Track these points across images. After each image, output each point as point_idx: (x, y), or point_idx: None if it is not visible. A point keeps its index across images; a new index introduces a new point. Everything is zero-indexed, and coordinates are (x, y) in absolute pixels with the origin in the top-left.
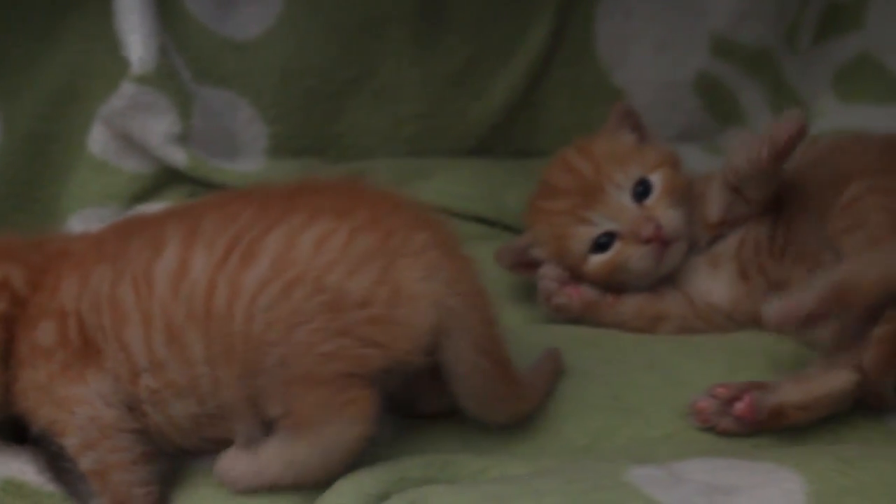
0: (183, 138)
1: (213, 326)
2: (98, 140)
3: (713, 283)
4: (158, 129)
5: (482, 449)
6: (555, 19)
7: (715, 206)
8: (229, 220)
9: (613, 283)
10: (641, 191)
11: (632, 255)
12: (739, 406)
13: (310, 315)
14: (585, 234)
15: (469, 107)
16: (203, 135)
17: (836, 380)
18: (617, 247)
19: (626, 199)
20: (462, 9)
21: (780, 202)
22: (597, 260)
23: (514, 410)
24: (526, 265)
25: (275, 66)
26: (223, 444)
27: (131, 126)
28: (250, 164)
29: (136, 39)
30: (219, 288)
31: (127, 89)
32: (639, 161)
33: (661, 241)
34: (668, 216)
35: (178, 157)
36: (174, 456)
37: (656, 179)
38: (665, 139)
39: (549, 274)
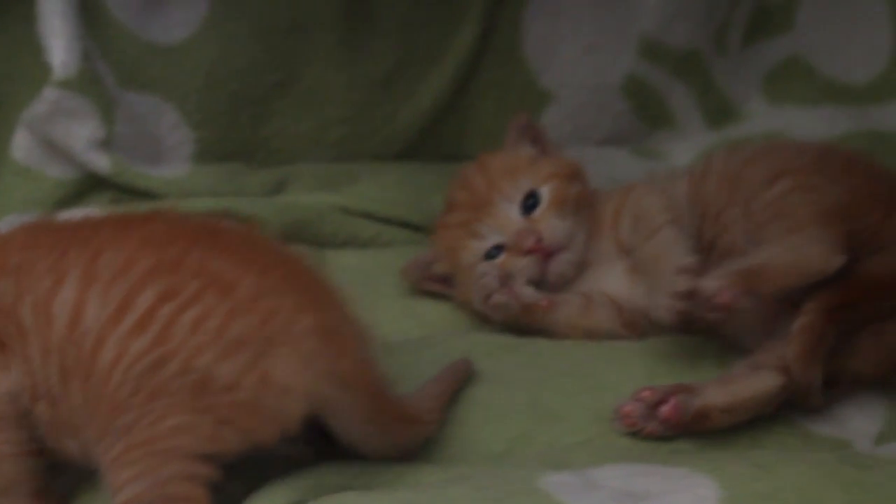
0: (106, 144)
1: (93, 382)
2: (21, 146)
3: (636, 288)
4: (81, 135)
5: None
6: (482, 22)
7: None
8: (126, 268)
9: None
10: (531, 203)
11: (515, 266)
12: (665, 409)
13: (174, 390)
14: (476, 248)
15: (396, 111)
16: (127, 140)
17: (760, 382)
18: (503, 258)
19: (513, 212)
20: (388, 12)
21: (708, 199)
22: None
23: (410, 443)
24: (432, 280)
25: (200, 70)
26: None
27: (54, 132)
28: (175, 169)
29: (59, 44)
30: (107, 347)
31: (49, 94)
32: (531, 174)
33: (542, 253)
34: (550, 227)
35: (102, 162)
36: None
37: (545, 191)
38: (594, 142)
39: (489, 272)
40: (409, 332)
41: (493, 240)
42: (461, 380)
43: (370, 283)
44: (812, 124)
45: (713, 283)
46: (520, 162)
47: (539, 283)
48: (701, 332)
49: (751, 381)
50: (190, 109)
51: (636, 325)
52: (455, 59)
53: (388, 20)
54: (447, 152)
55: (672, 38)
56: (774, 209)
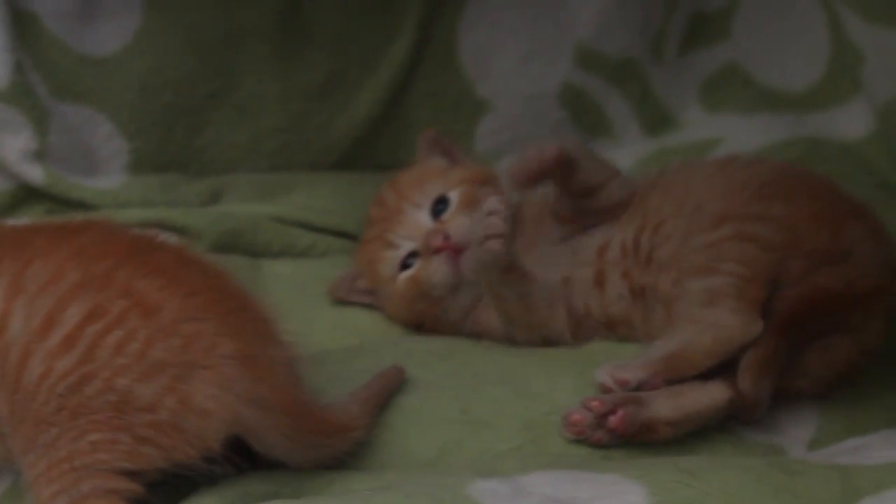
0: (40, 155)
1: (19, 396)
2: None
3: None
4: (14, 146)
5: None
6: (417, 31)
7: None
8: (53, 280)
9: (430, 308)
10: (440, 208)
11: (428, 268)
12: (613, 420)
13: (95, 408)
14: (392, 258)
15: (332, 120)
16: (61, 151)
17: (709, 396)
18: (418, 263)
19: (424, 218)
20: (323, 22)
21: (650, 209)
22: (402, 277)
23: (338, 451)
24: (358, 293)
25: (133, 81)
26: None
27: None
28: (110, 180)
29: None
30: (33, 362)
31: None
32: (441, 182)
33: (451, 249)
34: (457, 224)
35: (35, 174)
36: None
37: (454, 195)
38: None
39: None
40: (342, 341)
41: (407, 247)
42: (392, 386)
43: (304, 293)
44: (749, 132)
45: (639, 374)
46: (430, 172)
47: (455, 284)
48: (632, 339)
49: (699, 395)
50: (124, 120)
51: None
52: (390, 68)
53: (323, 30)
54: (383, 162)
55: (608, 46)
56: (709, 254)
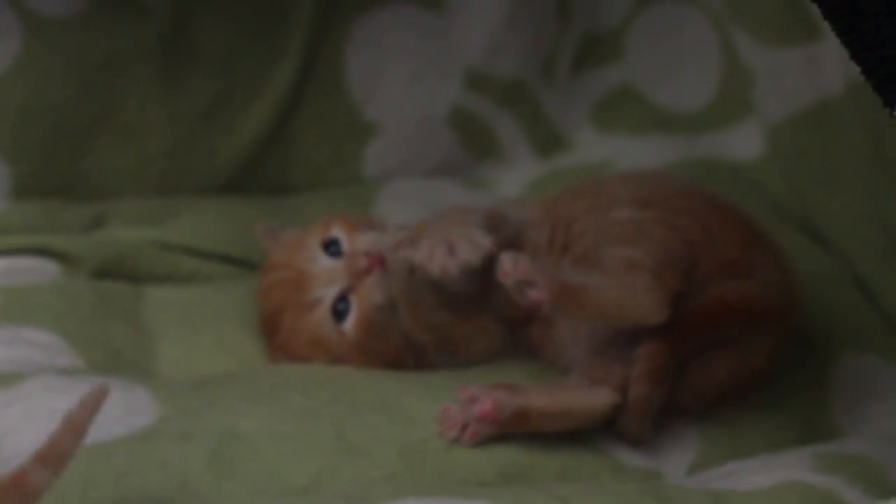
0: None
1: None
2: None
3: None
4: None
5: (197, 491)
6: (303, 54)
7: None
8: None
9: (389, 344)
10: (334, 249)
11: (367, 294)
12: (479, 406)
13: None
14: (322, 313)
15: (218, 144)
16: None
17: (593, 397)
18: (353, 300)
19: (326, 262)
20: (207, 44)
21: (560, 212)
22: (348, 324)
23: None
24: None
25: (14, 105)
26: None
27: None
28: None
29: None
30: None
31: None
32: (312, 235)
33: (378, 262)
34: (364, 241)
35: None
36: None
37: (336, 230)
38: (421, 174)
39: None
40: (224, 366)
41: (329, 295)
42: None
43: (188, 318)
44: (641, 153)
45: (537, 277)
46: (294, 238)
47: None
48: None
49: (582, 393)
50: (5, 145)
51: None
52: (276, 91)
53: (208, 53)
54: (271, 185)
55: (498, 68)
56: (633, 228)
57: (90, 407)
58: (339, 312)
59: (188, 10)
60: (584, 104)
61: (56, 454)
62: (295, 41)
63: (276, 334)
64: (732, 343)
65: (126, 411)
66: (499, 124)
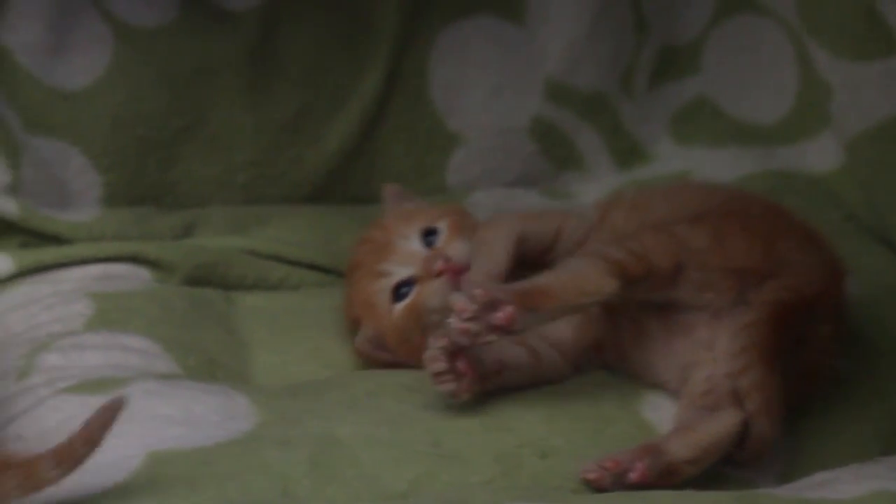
0: (13, 189)
1: None
2: None
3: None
4: None
5: (298, 496)
6: (388, 65)
7: None
8: None
9: (423, 336)
10: (431, 238)
11: (428, 292)
12: (633, 476)
13: None
14: (385, 286)
15: (304, 153)
16: (34, 185)
17: (721, 424)
18: (416, 289)
19: (415, 246)
20: (294, 56)
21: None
22: (399, 307)
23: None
24: (382, 351)
25: (106, 115)
26: None
27: None
28: (84, 213)
29: None
30: None
31: None
32: (424, 217)
33: (452, 272)
34: (455, 248)
35: (9, 207)
36: None
37: (442, 225)
38: (503, 184)
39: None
40: (316, 372)
41: (399, 273)
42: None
43: (279, 325)
44: (719, 165)
45: (497, 294)
46: (411, 210)
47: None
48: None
49: (711, 426)
50: (97, 154)
51: (579, 363)
52: (361, 102)
53: (294, 64)
54: (356, 195)
55: (578, 80)
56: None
57: (106, 419)
58: (399, 293)
59: (275, 20)
60: (663, 116)
61: (70, 457)
62: (380, 52)
63: (348, 286)
64: (797, 344)
65: (225, 417)
66: (579, 136)
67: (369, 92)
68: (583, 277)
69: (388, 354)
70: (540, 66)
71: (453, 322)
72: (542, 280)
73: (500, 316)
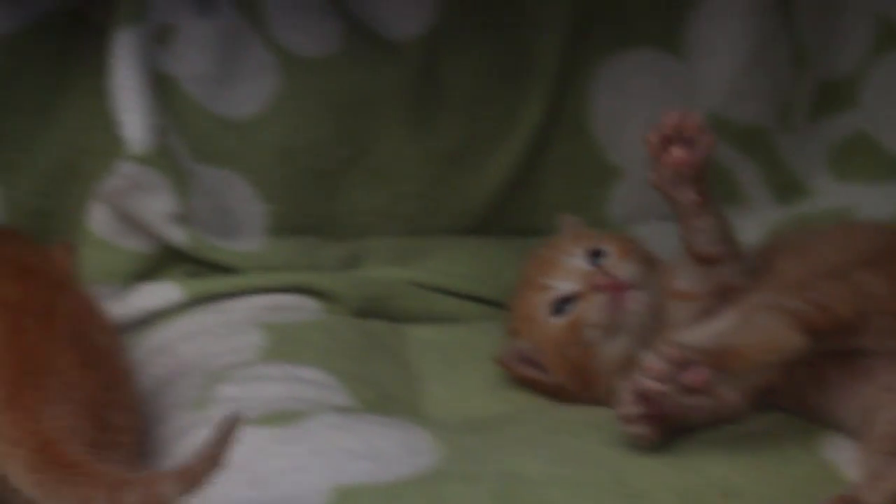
0: (182, 217)
1: None
2: (97, 218)
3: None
4: (157, 209)
5: None
6: (549, 96)
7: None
8: None
9: (581, 357)
10: (598, 260)
11: (589, 307)
12: None
13: None
14: (544, 299)
15: (466, 185)
16: (202, 213)
17: None
18: (577, 305)
19: (580, 262)
20: (457, 87)
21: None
22: (559, 321)
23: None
24: (526, 364)
25: (272, 144)
26: None
27: (130, 205)
28: (250, 242)
29: (133, 119)
30: None
31: (126, 169)
32: (594, 239)
33: (615, 289)
34: (621, 267)
35: (179, 236)
36: None
37: (610, 247)
38: (660, 217)
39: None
40: (491, 407)
41: (561, 288)
42: (226, 436)
43: (450, 358)
44: (878, 201)
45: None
46: (580, 232)
47: (612, 327)
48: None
49: None
50: (262, 183)
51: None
52: (523, 134)
53: (457, 95)
54: (518, 227)
55: (738, 114)
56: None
57: (224, 437)
58: (558, 308)
59: (437, 50)
60: (822, 151)
61: (192, 475)
62: (541, 84)
63: (515, 297)
64: None
65: (408, 451)
66: (738, 169)
67: (531, 123)
68: (769, 333)
69: (534, 371)
70: (699, 99)
71: (643, 382)
72: (725, 332)
73: (693, 378)
